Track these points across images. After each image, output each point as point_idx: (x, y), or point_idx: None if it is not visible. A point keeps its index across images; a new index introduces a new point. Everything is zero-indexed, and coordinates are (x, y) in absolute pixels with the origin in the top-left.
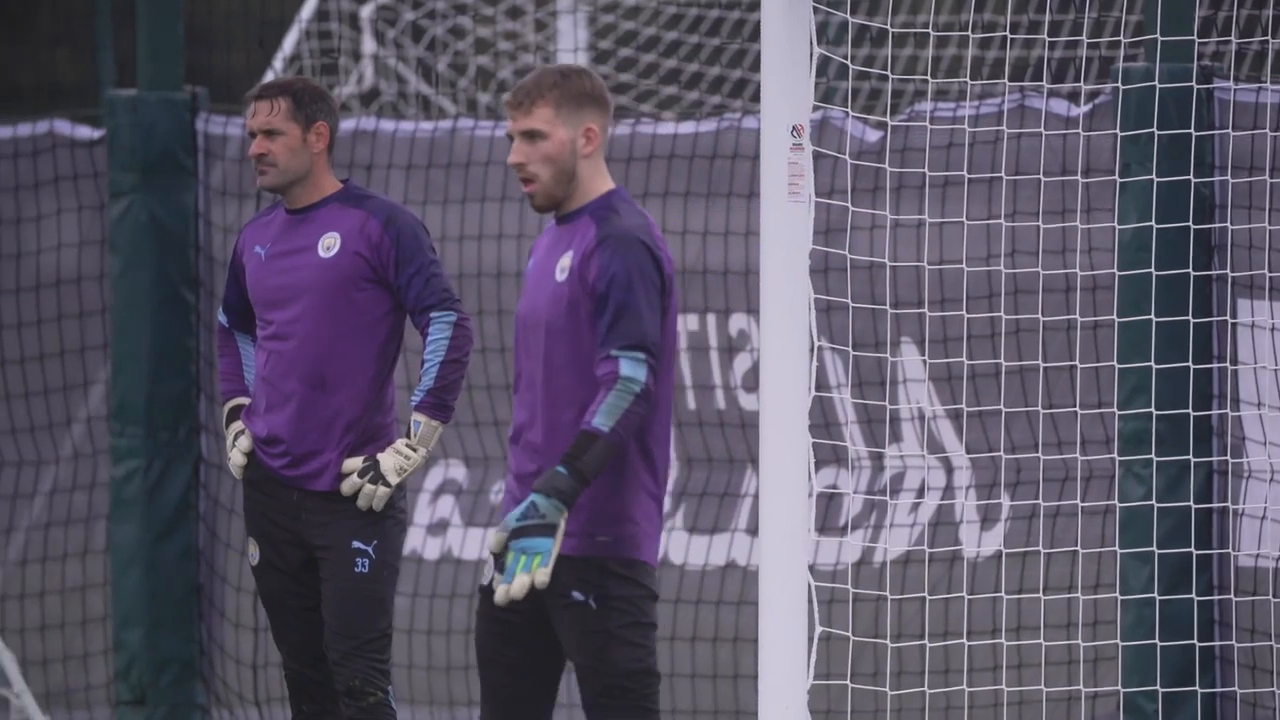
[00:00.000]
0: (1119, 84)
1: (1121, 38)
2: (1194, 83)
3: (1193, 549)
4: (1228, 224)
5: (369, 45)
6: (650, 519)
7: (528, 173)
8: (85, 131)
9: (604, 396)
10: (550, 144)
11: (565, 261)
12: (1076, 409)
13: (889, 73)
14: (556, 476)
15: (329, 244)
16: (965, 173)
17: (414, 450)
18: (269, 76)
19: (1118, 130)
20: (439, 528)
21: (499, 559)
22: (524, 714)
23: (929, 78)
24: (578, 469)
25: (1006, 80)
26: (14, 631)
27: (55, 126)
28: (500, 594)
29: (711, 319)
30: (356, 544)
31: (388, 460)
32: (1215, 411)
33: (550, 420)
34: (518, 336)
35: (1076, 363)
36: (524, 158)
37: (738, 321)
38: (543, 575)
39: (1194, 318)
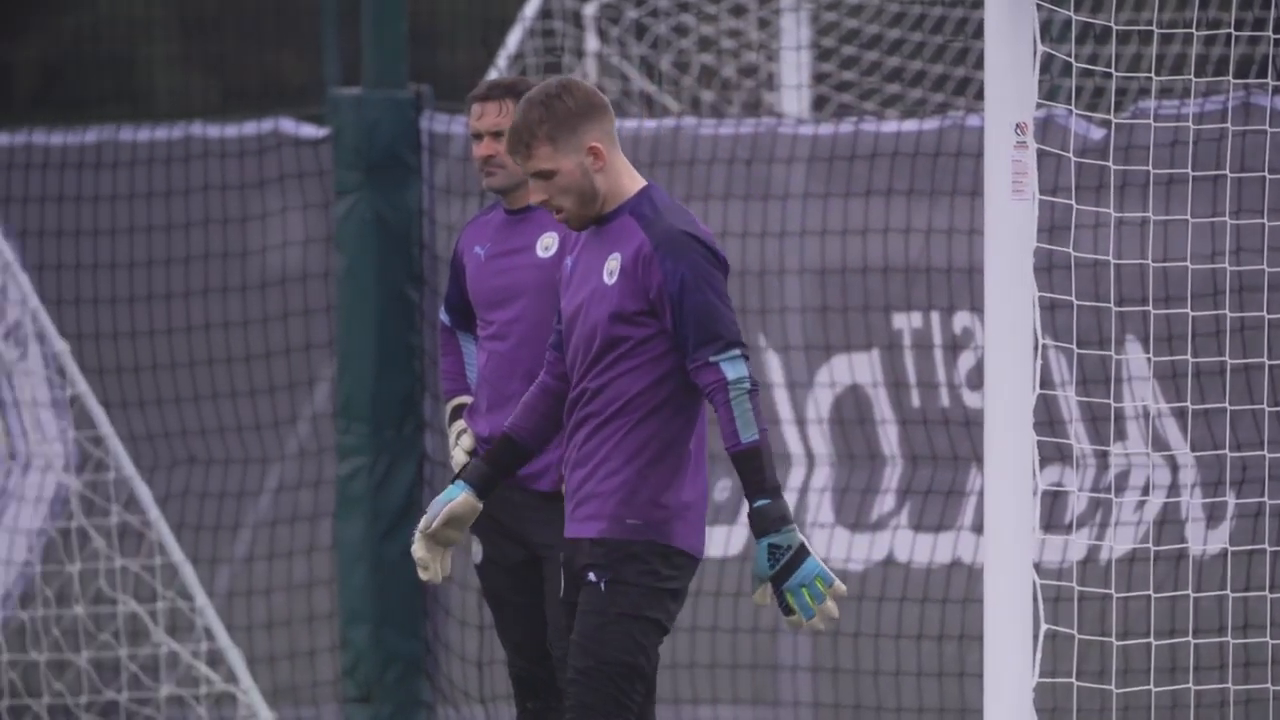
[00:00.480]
0: None
1: None
2: None
3: None
4: None
5: (592, 43)
6: (686, 508)
7: (552, 205)
8: (310, 130)
9: (725, 411)
10: (562, 177)
11: (613, 264)
12: None
13: (1113, 70)
14: (762, 512)
15: (547, 244)
16: (1190, 170)
17: None
18: (492, 75)
19: None
20: None
21: (785, 607)
22: None
23: (1153, 75)
24: (767, 488)
25: (1231, 78)
26: (241, 629)
27: (280, 125)
28: (811, 626)
29: (935, 316)
30: None
31: None
32: None
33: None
34: (565, 336)
35: None
36: (545, 194)
37: (961, 319)
38: (839, 586)
39: None
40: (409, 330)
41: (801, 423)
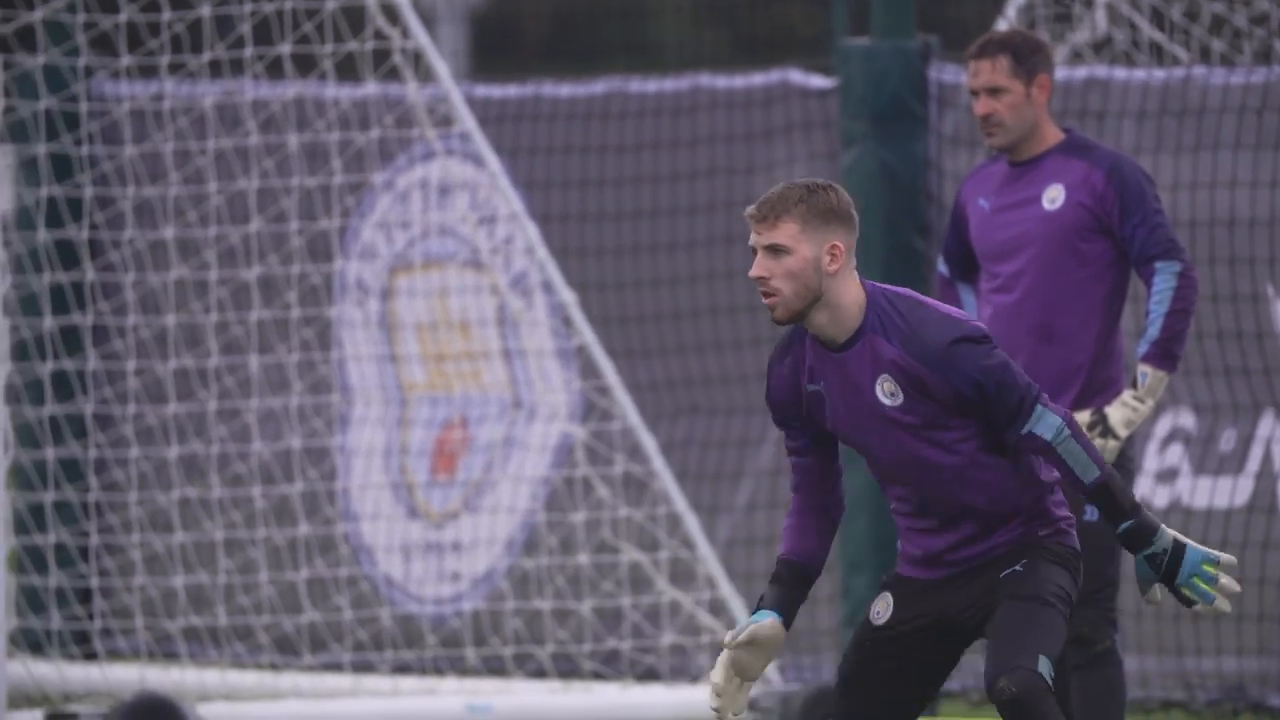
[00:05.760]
0: None
1: None
2: None
3: None
4: None
5: None
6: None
7: (770, 287)
8: (818, 81)
9: (1064, 467)
10: (794, 260)
11: (890, 386)
12: None
13: None
14: (1129, 534)
15: (1053, 195)
16: None
17: (1142, 402)
18: (1000, 25)
19: None
20: (1168, 475)
21: (1185, 600)
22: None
23: None
24: (1126, 512)
25: None
26: (742, 577)
27: (789, 76)
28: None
29: None
30: None
31: (1116, 413)
32: None
33: None
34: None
35: None
36: (766, 272)
37: None
38: (1227, 560)
39: None
40: (915, 280)
41: None
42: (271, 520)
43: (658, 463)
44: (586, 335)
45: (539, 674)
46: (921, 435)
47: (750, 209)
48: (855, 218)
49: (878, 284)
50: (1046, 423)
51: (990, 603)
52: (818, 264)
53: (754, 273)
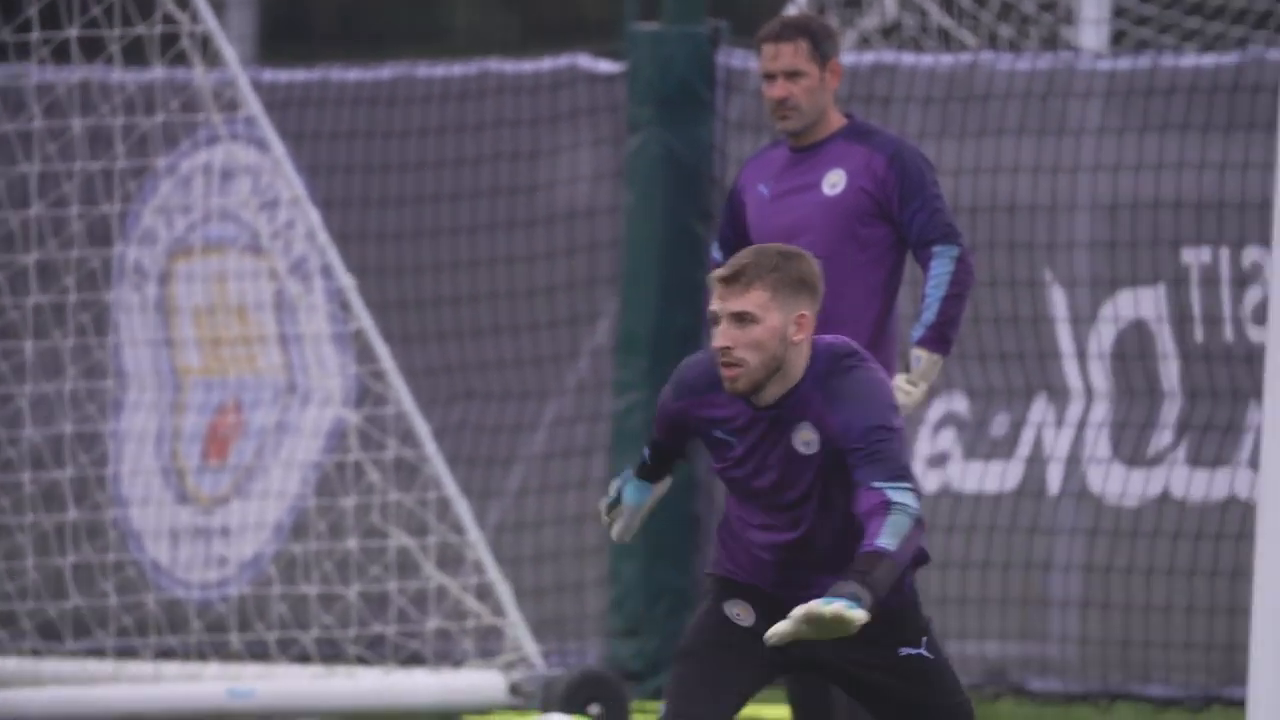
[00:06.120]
0: None
1: None
2: None
3: None
4: None
5: None
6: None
7: (733, 357)
8: (606, 65)
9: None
10: (762, 330)
11: (807, 435)
12: None
13: None
14: (852, 594)
15: (834, 181)
16: None
17: (915, 385)
18: (790, 11)
19: None
20: (939, 460)
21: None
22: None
23: None
24: (869, 586)
25: None
26: (509, 561)
27: (577, 61)
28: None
29: (1224, 251)
30: None
31: None
32: None
33: None
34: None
35: None
36: (731, 341)
37: (1251, 254)
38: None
39: None
40: (695, 266)
41: (1082, 357)
42: (40, 505)
43: (430, 447)
44: (364, 320)
45: (303, 659)
46: (832, 481)
47: (721, 271)
48: (820, 291)
49: (822, 340)
50: (905, 498)
51: (882, 679)
52: (784, 334)
53: (718, 342)
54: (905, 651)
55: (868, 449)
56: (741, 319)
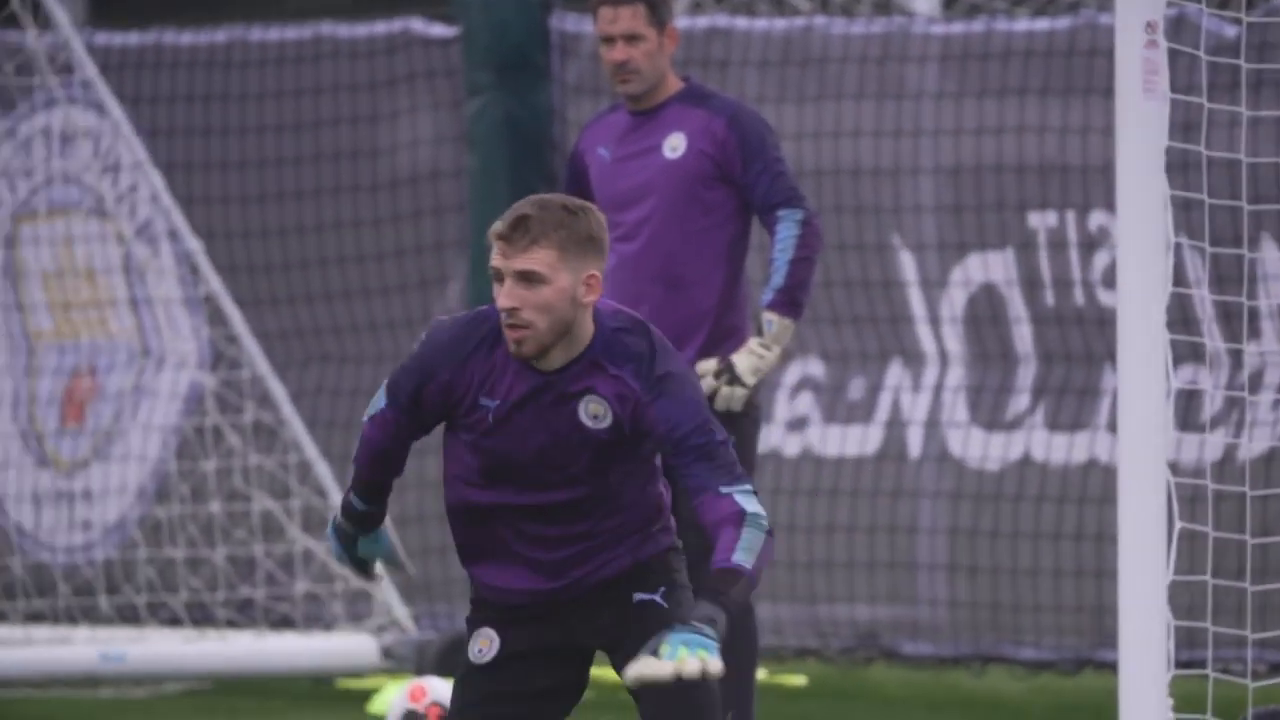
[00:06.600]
0: None
1: None
2: None
3: None
4: None
5: None
6: None
7: (520, 319)
8: (440, 29)
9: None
10: (550, 291)
11: (598, 409)
12: None
13: None
14: (700, 613)
15: (674, 144)
16: None
17: (768, 349)
18: None
19: None
20: (798, 424)
21: (655, 650)
22: None
23: None
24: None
25: None
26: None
27: (410, 25)
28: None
29: (1070, 215)
30: None
31: (743, 361)
32: None
33: None
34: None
35: None
36: (518, 302)
37: (1097, 218)
38: (713, 668)
39: None
40: None
41: (935, 321)
42: None
43: (287, 410)
44: (213, 283)
45: (173, 622)
46: (613, 457)
47: (498, 226)
48: (606, 248)
49: (608, 306)
50: (753, 503)
51: (623, 632)
52: (574, 296)
53: (504, 302)
54: (639, 597)
55: (700, 447)
56: (529, 278)
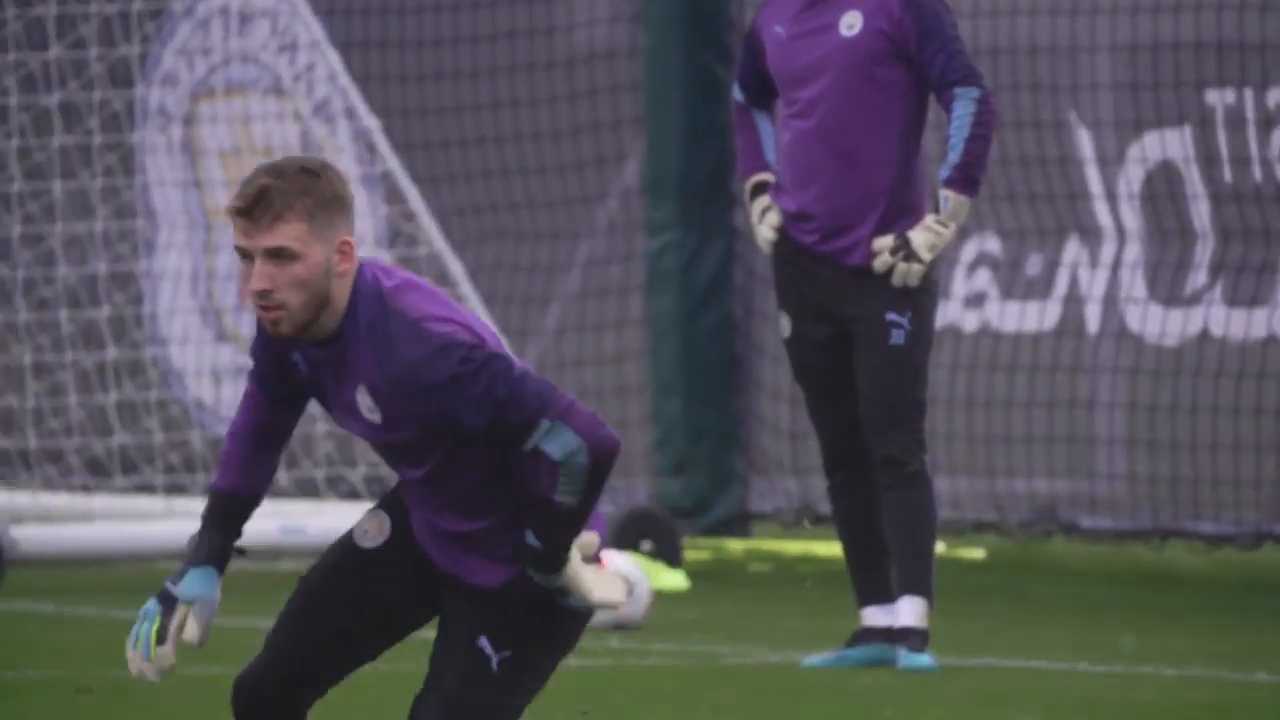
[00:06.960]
0: None
1: None
2: None
3: None
4: None
5: None
6: None
7: (274, 300)
8: None
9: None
10: (304, 267)
11: (368, 402)
12: None
13: None
14: (540, 555)
15: (850, 22)
16: None
17: (944, 226)
18: None
19: None
20: (976, 300)
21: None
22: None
23: None
24: (557, 540)
25: None
26: None
27: None
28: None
29: (1248, 92)
30: (891, 316)
31: (919, 237)
32: None
33: None
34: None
35: None
36: (270, 283)
37: (1275, 95)
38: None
39: None
40: (718, 107)
41: (1113, 198)
42: (79, 344)
43: (465, 287)
44: (390, 162)
45: (351, 495)
46: (407, 448)
47: (235, 201)
48: (352, 203)
49: (369, 266)
50: (561, 440)
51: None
52: (330, 267)
53: (255, 285)
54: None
55: (491, 426)
56: (279, 255)
